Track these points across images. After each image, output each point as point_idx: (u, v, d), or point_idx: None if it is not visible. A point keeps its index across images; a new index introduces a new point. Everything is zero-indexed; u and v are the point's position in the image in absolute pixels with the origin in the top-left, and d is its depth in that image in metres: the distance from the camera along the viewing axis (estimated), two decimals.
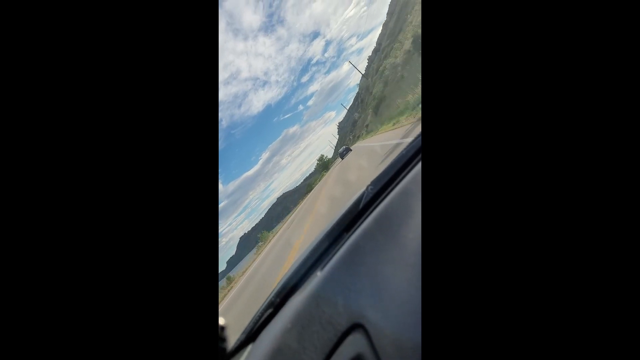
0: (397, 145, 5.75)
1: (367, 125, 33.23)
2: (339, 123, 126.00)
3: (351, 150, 25.16)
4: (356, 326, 0.32)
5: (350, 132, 51.04)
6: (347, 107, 57.46)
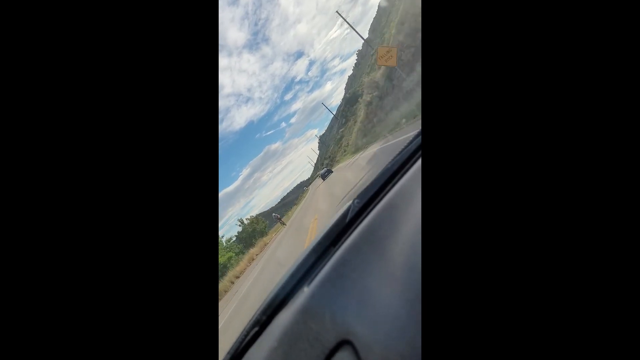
0: None
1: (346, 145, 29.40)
2: (321, 136, 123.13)
3: (332, 172, 24.44)
4: (344, 343, 0.33)
5: (337, 143, 46.16)
6: (333, 113, 54.31)
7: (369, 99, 19.08)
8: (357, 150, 22.35)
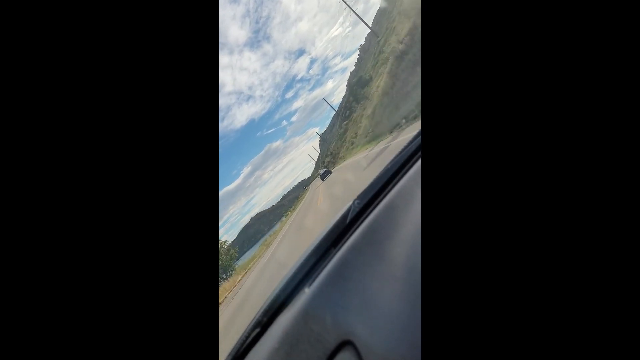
0: None
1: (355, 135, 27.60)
2: (322, 134, 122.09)
3: (331, 172, 24.34)
4: (345, 343, 0.33)
5: (340, 137, 44.45)
6: (335, 109, 53.51)
7: (401, 47, 14.43)
8: (376, 138, 17.48)
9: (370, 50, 38.74)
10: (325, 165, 50.28)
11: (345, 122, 38.40)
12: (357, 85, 29.65)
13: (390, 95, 15.90)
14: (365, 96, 26.42)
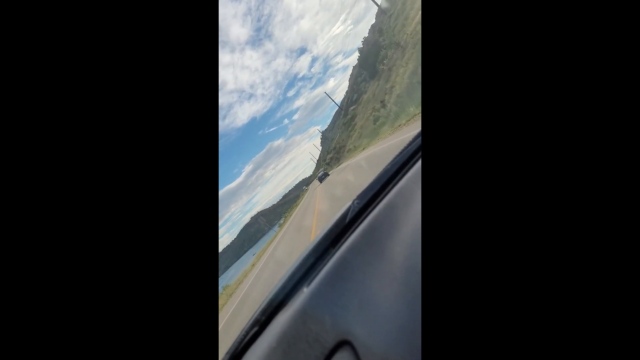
0: None
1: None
2: (323, 131, 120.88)
3: (329, 174, 24.96)
4: (343, 343, 0.33)
5: (346, 127, 41.70)
6: (338, 104, 52.41)
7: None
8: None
9: (376, 39, 37.34)
10: (327, 162, 49.09)
11: (352, 108, 35.53)
12: (372, 52, 26.59)
13: None
14: (396, 42, 18.82)
